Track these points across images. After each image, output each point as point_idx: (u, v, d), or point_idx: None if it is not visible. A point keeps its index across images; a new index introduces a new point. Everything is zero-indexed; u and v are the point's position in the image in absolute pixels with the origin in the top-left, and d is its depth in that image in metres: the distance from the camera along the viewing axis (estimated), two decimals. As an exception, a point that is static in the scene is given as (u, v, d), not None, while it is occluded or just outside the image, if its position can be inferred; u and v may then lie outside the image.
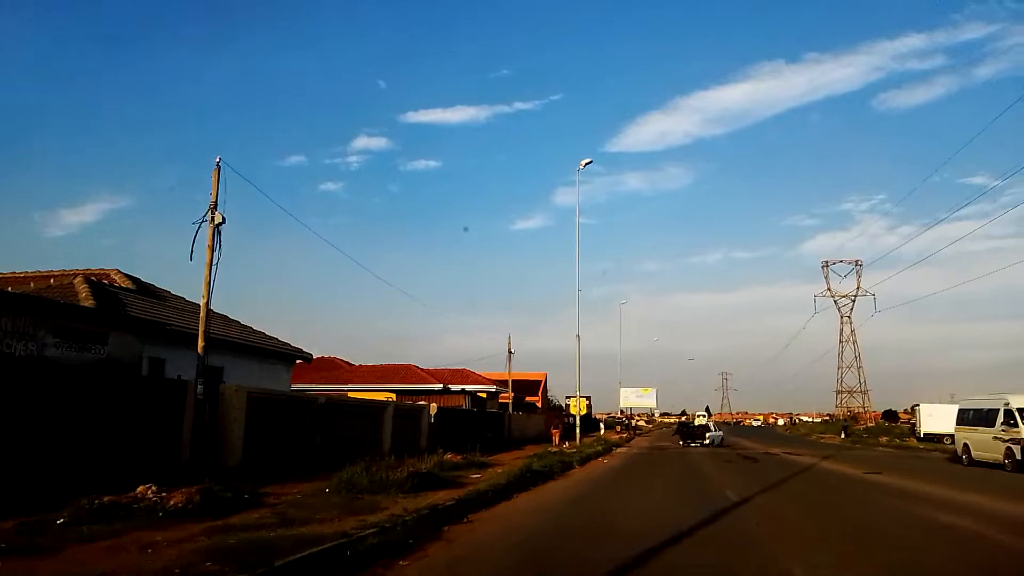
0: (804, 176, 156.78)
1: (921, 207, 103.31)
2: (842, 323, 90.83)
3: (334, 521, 8.65)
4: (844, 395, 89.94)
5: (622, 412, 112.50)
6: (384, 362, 42.07)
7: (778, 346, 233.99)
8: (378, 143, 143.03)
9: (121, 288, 18.41)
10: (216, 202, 13.07)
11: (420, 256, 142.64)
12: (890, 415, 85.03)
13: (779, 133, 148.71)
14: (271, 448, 14.59)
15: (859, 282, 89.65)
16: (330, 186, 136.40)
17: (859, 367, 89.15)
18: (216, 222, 12.98)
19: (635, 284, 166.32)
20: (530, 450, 30.33)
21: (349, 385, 37.99)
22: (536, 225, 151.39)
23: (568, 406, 78.24)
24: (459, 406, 32.50)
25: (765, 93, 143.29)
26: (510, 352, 37.65)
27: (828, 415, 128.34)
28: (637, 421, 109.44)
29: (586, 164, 33.73)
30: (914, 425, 59.50)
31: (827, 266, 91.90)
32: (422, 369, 42.07)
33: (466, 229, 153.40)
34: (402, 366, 42.27)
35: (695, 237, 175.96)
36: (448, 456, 18.24)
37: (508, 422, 36.96)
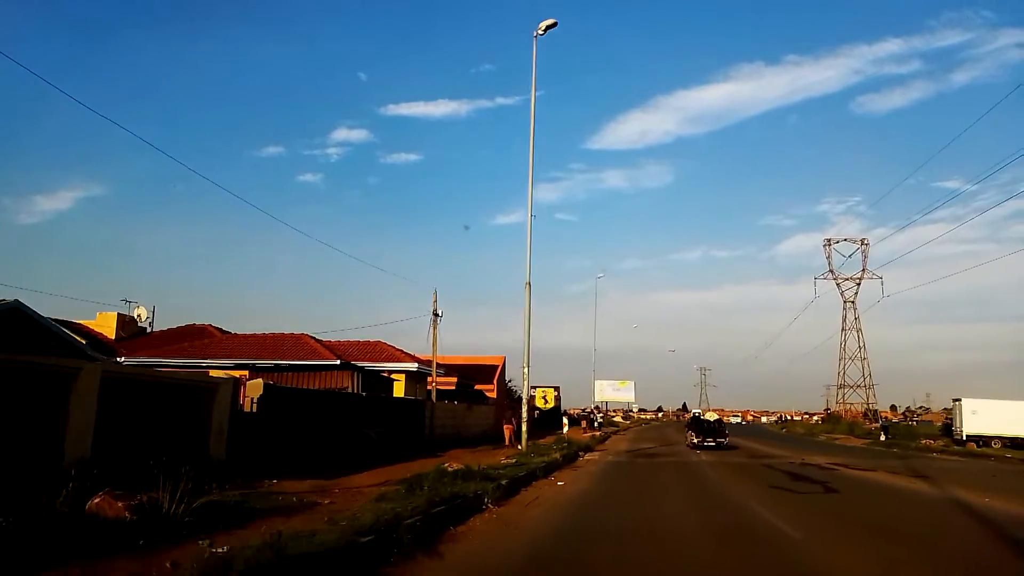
0: (782, 177, 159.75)
1: (895, 210, 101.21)
2: (845, 309, 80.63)
3: None
4: (846, 390, 79.79)
5: (596, 408, 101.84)
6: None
7: (756, 344, 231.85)
8: (358, 135, 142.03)
9: None
10: None
11: (398, 249, 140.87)
12: (871, 415, 77.38)
13: (758, 134, 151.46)
14: None
15: (865, 263, 79.55)
16: (309, 177, 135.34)
17: (863, 359, 79.03)
18: None
19: (614, 281, 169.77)
20: (454, 456, 19.39)
21: (209, 360, 26.36)
22: (517, 220, 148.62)
23: (534, 398, 66.97)
24: (343, 388, 21.12)
25: (745, 94, 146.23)
26: (435, 315, 26.18)
27: (826, 411, 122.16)
28: (613, 416, 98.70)
29: (547, 27, 22.31)
30: (949, 424, 49.27)
31: (829, 245, 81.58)
32: (318, 341, 30.33)
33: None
34: (289, 336, 30.47)
35: (674, 235, 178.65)
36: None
37: (429, 415, 25.50)
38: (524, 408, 21.66)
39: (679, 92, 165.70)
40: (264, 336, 30.74)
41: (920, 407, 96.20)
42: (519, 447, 28.85)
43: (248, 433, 13.78)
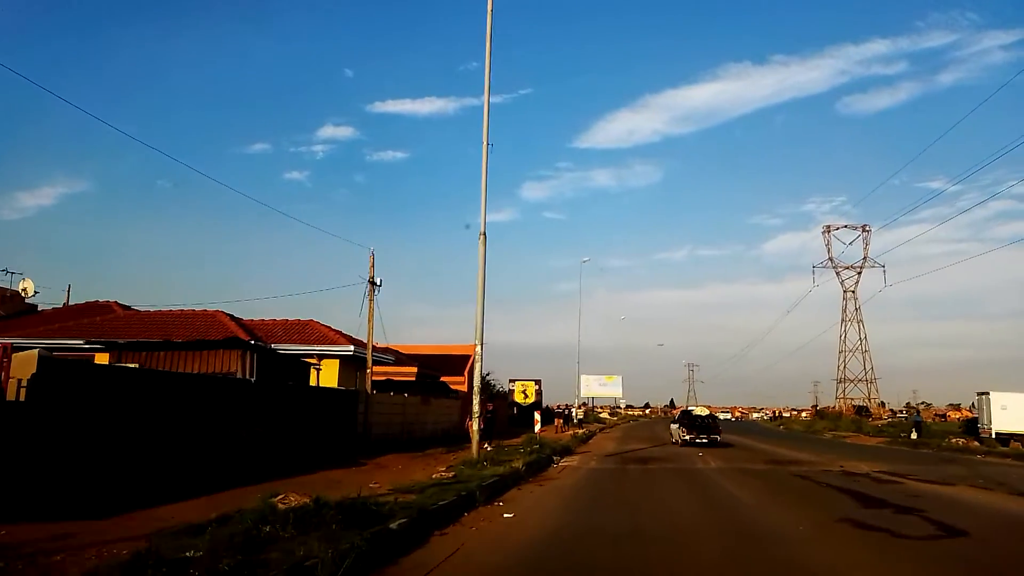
0: (768, 176, 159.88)
1: (880, 210, 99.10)
2: (845, 299, 75.79)
3: None
4: (846, 384, 74.96)
5: (583, 404, 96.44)
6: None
7: (742, 343, 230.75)
8: (345, 132, 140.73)
9: None
10: None
11: (386, 248, 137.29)
12: (861, 411, 74.58)
13: (745, 133, 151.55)
14: None
15: (866, 252, 74.75)
16: (295, 175, 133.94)
17: (865, 351, 74.23)
18: None
19: (602, 279, 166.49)
20: (387, 463, 14.46)
21: (105, 340, 20.66)
22: (503, 219, 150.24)
23: (512, 392, 61.31)
24: (230, 373, 15.51)
25: (732, 93, 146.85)
26: (372, 283, 20.49)
27: (814, 407, 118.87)
28: (600, 412, 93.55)
29: None
30: (974, 420, 44.29)
31: (828, 232, 76.66)
32: (235, 319, 24.69)
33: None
34: (201, 313, 24.85)
35: (662, 234, 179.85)
36: None
37: (364, 410, 19.90)
38: (475, 401, 16.07)
39: (667, 91, 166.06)
40: (172, 313, 25.09)
41: (921, 403, 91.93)
42: (486, 447, 23.57)
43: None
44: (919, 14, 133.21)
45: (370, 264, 20.53)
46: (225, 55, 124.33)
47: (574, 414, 41.17)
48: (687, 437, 27.27)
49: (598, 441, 33.84)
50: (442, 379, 39.63)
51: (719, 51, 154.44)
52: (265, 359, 16.68)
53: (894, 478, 15.59)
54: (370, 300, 20.27)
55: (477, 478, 11.93)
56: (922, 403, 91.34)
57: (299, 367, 19.20)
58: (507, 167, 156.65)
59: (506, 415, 39.88)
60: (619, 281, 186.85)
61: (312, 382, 21.57)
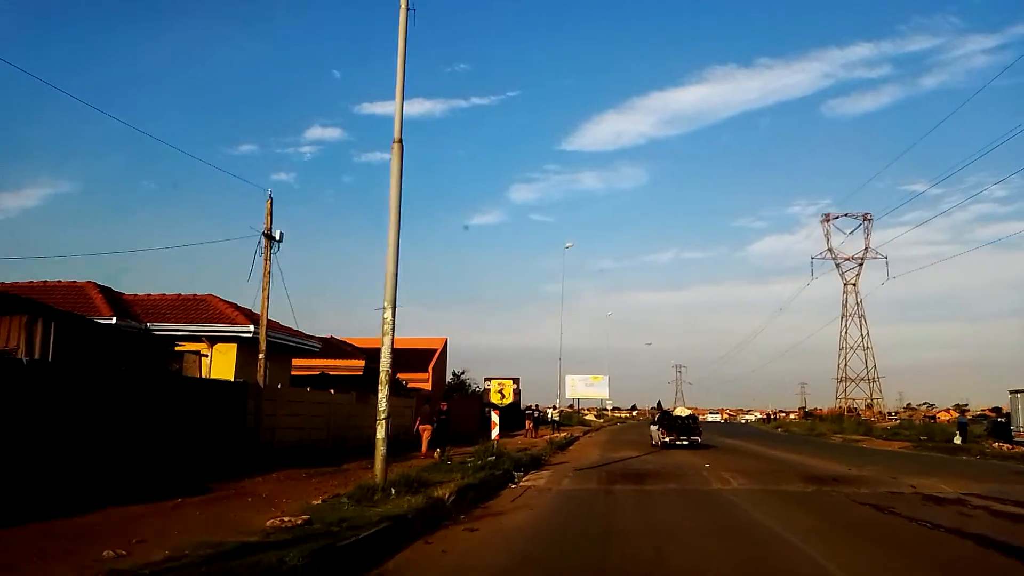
0: (754, 179, 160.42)
1: (863, 211, 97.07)
2: (845, 292, 71.07)
3: None
4: (847, 384, 70.24)
5: (570, 406, 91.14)
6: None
7: (729, 345, 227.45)
8: (332, 134, 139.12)
9: None
10: None
11: (372, 249, 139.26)
12: (854, 412, 69.98)
13: (731, 136, 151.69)
14: None
15: (868, 242, 70.10)
16: (282, 176, 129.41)
17: (867, 348, 69.51)
18: None
19: (589, 281, 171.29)
20: (267, 485, 9.35)
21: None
22: (491, 221, 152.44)
23: (488, 391, 55.73)
24: (7, 350, 10.19)
25: (718, 96, 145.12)
26: (268, 236, 15.00)
27: (801, 409, 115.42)
28: (585, 414, 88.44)
29: None
30: (1001, 423, 39.50)
31: (828, 220, 71.92)
32: (106, 291, 19.13)
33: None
34: (66, 285, 19.30)
35: (648, 236, 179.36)
36: None
37: (255, 409, 14.41)
38: (382, 395, 10.62)
39: (654, 93, 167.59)
40: (31, 286, 19.48)
41: (924, 404, 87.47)
42: (434, 455, 18.41)
43: None
44: (902, 18, 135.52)
45: (267, 211, 15.07)
46: (213, 55, 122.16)
47: (550, 415, 35.54)
48: (667, 439, 25.84)
49: (579, 448, 28.57)
50: (401, 375, 34.20)
51: (705, 53, 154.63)
52: (78, 333, 11.18)
53: (1011, 507, 10.41)
54: (265, 259, 14.80)
55: (347, 526, 6.59)
56: (924, 403, 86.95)
57: (158, 350, 13.71)
58: (495, 170, 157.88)
59: (477, 417, 34.66)
60: (607, 283, 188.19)
61: (199, 372, 16.15)
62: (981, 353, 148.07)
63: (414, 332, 39.57)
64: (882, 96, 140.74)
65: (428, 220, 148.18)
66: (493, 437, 19.66)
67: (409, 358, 38.27)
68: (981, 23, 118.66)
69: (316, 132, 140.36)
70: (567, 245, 50.22)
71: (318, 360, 25.88)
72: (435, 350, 40.15)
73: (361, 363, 28.06)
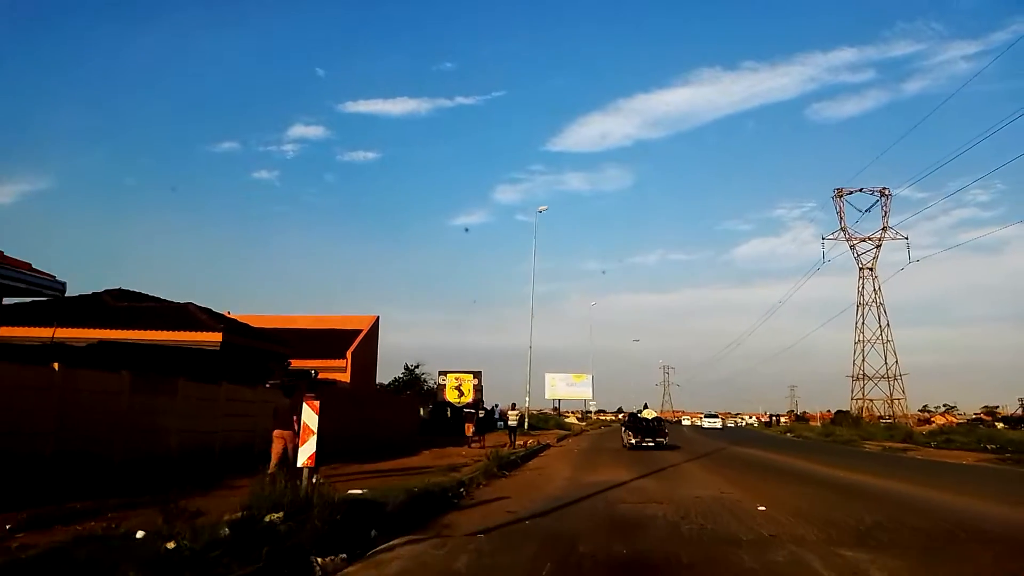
0: (740, 181, 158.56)
1: (851, 214, 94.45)
2: (862, 276, 62.65)
3: None
4: (864, 382, 61.74)
5: (555, 408, 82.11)
6: None
7: (715, 347, 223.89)
8: (315, 132, 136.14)
9: None
10: None
11: (357, 248, 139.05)
12: (842, 415, 66.68)
13: (716, 138, 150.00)
14: None
15: (886, 221, 61.80)
16: (263, 174, 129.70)
17: (886, 341, 61.06)
18: None
19: (575, 282, 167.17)
20: None
21: None
22: (476, 221, 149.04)
23: (443, 388, 46.40)
24: None
25: (703, 98, 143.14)
26: None
27: (790, 412, 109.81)
28: (566, 417, 79.56)
29: None
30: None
31: (840, 196, 63.48)
32: None
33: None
34: None
35: (634, 238, 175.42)
36: None
37: None
38: None
39: (639, 95, 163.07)
40: None
41: (943, 406, 79.45)
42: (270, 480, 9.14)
43: None
44: (886, 23, 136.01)
45: None
46: (195, 53, 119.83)
47: (510, 418, 26.08)
48: (633, 441, 26.17)
49: (544, 463, 19.55)
50: (307, 362, 24.98)
51: (691, 56, 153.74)
52: None
53: None
54: None
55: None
56: (944, 405, 78.81)
57: None
58: (480, 170, 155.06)
59: (411, 420, 25.50)
60: (592, 285, 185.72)
61: None
62: (967, 358, 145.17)
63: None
64: (866, 100, 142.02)
65: (409, 219, 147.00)
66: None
67: (324, 341, 29.08)
68: (963, 30, 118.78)
69: (299, 130, 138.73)
70: (540, 209, 41.63)
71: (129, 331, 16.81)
72: (359, 331, 30.90)
73: (217, 337, 18.83)
